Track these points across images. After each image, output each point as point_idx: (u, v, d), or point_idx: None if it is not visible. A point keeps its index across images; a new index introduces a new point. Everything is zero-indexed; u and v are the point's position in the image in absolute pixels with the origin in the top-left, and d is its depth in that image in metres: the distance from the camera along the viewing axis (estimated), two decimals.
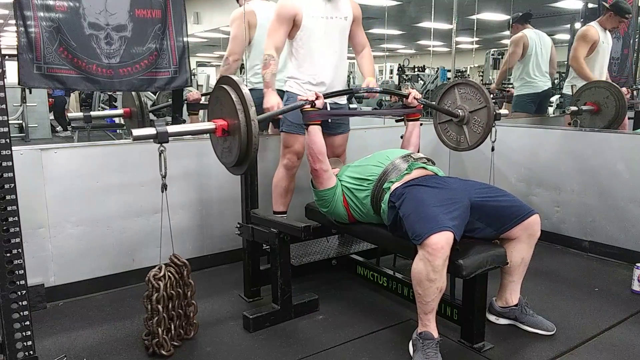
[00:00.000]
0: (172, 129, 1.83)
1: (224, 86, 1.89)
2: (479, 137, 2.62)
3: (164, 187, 1.82)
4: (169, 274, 1.99)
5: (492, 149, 2.65)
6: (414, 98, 2.56)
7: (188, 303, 2.06)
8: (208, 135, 2.15)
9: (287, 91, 2.73)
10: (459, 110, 2.65)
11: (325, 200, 2.35)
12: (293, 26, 2.60)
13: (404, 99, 2.60)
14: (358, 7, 2.78)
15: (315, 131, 2.26)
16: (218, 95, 1.94)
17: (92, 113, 3.08)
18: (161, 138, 1.78)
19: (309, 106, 2.24)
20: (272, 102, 2.57)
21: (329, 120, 2.73)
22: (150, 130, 1.78)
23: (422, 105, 2.60)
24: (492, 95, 4.80)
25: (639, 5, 4.92)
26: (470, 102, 2.62)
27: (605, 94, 3.51)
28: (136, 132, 1.79)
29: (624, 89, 3.70)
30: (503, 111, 2.58)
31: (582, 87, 3.71)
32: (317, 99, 2.24)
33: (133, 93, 3.21)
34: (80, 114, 3.06)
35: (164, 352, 1.95)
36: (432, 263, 1.80)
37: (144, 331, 2.03)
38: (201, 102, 3.65)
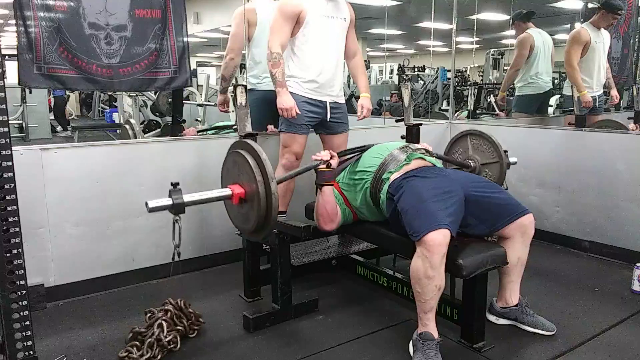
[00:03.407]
0: (188, 198, 1.76)
1: (240, 151, 1.83)
2: None
3: (177, 254, 1.74)
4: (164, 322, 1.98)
5: None
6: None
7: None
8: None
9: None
10: (470, 162, 2.64)
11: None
12: (295, 24, 2.59)
13: None
14: (353, 11, 2.80)
15: (329, 192, 2.19)
16: (235, 160, 1.87)
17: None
18: (177, 209, 1.72)
19: (324, 166, 2.16)
20: (289, 102, 2.55)
21: (328, 119, 2.73)
22: (167, 201, 1.72)
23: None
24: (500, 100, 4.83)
25: (639, 6, 4.92)
26: (482, 154, 2.62)
27: None
28: (152, 203, 1.72)
29: (631, 126, 3.70)
30: (512, 159, 2.58)
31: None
32: (331, 158, 2.17)
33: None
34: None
35: None
36: (429, 260, 1.81)
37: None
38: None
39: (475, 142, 2.64)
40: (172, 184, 1.73)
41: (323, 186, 2.18)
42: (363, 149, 2.38)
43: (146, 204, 1.70)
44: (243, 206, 1.87)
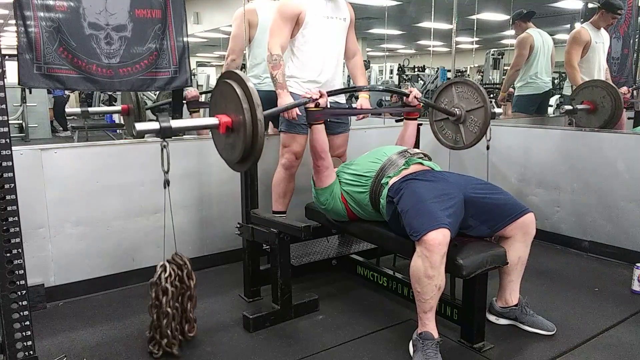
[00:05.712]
0: (175, 123, 1.80)
1: (228, 81, 1.85)
2: (475, 137, 2.64)
3: (167, 183, 1.80)
4: (172, 271, 1.98)
5: (488, 148, 2.67)
6: (414, 97, 2.57)
7: (190, 296, 2.04)
8: (210, 134, 2.14)
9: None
10: (456, 109, 2.67)
11: (323, 197, 2.36)
12: (295, 25, 2.60)
13: (404, 97, 2.61)
14: (353, 11, 2.81)
15: (319, 130, 2.27)
16: (222, 90, 1.89)
17: (91, 109, 3.08)
18: (164, 133, 1.76)
19: (313, 105, 2.23)
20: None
21: (328, 120, 2.73)
22: (154, 125, 1.76)
23: (421, 105, 2.61)
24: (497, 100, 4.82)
25: (639, 6, 4.92)
26: (467, 101, 2.64)
27: (602, 93, 3.47)
28: (139, 125, 1.76)
29: (623, 88, 3.67)
30: (498, 110, 2.61)
31: (579, 86, 3.69)
32: (321, 97, 2.23)
33: None
34: (77, 110, 3.07)
35: (175, 351, 1.94)
36: (429, 259, 1.81)
37: (147, 337, 2.01)
38: (200, 100, 3.66)
39: (460, 91, 2.66)
40: (152, 112, 1.78)
41: (312, 125, 2.26)
42: (354, 89, 2.48)
43: (134, 126, 1.75)
44: (230, 135, 1.88)
